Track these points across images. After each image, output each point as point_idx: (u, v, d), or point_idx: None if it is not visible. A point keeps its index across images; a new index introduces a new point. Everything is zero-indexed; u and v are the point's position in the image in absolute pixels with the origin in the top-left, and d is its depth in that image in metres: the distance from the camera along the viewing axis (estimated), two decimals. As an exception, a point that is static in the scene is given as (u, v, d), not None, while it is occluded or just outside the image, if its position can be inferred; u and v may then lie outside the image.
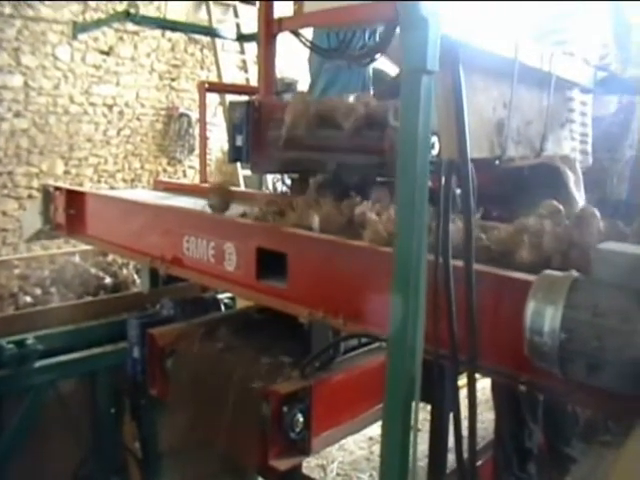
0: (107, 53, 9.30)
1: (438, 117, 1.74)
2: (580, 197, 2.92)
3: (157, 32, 9.70)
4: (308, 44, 3.57)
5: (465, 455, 1.84)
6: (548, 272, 1.60)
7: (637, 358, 1.38)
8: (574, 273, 1.56)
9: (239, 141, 3.08)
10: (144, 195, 4.07)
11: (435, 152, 2.13)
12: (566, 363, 1.50)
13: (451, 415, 2.01)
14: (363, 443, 5.22)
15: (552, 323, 1.48)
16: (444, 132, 1.75)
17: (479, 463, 3.25)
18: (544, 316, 1.50)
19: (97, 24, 8.86)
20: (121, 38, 9.41)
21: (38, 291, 3.94)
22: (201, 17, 10.09)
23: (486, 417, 4.61)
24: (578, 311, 1.46)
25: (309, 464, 4.79)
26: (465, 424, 1.80)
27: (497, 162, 2.17)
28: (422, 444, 3.07)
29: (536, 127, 2.35)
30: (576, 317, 1.46)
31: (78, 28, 8.79)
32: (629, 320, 1.39)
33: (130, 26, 9.25)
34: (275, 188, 3.56)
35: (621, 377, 1.42)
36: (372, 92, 3.79)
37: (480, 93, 2.02)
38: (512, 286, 1.70)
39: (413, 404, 1.63)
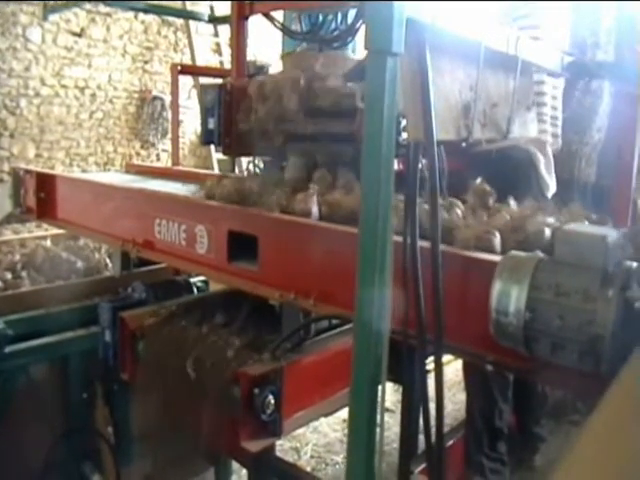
0: (79, 35, 9.18)
1: (404, 99, 1.74)
2: (551, 180, 2.95)
3: (130, 14, 9.58)
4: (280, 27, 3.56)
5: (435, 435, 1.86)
6: (513, 253, 1.62)
7: (597, 336, 1.40)
8: (539, 254, 1.59)
9: (211, 124, 3.08)
10: (115, 178, 4.04)
11: (406, 135, 2.14)
12: (531, 342, 1.53)
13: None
14: (337, 425, 5.25)
15: (517, 303, 1.51)
16: (410, 114, 1.76)
17: (450, 443, 3.31)
18: (510, 296, 1.52)
19: (68, 5, 8.73)
20: (93, 20, 9.29)
21: (9, 275, 3.90)
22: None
23: (459, 398, 4.67)
24: (542, 291, 1.49)
25: (283, 447, 4.81)
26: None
27: (463, 144, 2.18)
28: (396, 425, 3.11)
29: (502, 110, 2.37)
30: (540, 297, 1.49)
31: (49, 9, 8.67)
32: (590, 299, 1.42)
33: (102, 7, 9.14)
34: (249, 170, 3.56)
35: (583, 355, 1.45)
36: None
37: (446, 75, 2.03)
38: (478, 267, 1.72)
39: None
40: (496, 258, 1.65)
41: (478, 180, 2.17)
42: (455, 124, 2.10)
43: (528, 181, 2.86)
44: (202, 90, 3.18)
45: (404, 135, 2.14)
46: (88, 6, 8.98)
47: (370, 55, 1.49)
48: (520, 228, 1.84)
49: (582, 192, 3.28)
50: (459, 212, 2.07)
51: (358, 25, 3.16)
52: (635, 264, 1.47)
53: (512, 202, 2.13)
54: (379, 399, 1.64)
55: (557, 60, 2.65)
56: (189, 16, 9.81)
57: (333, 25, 3.53)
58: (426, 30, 1.66)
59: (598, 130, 3.33)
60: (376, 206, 1.51)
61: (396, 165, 2.04)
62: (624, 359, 1.36)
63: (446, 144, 2.01)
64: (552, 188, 2.94)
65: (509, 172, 2.79)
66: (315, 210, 2.28)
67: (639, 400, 1.09)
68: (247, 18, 3.60)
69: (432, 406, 1.82)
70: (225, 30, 9.94)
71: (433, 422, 1.82)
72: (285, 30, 3.73)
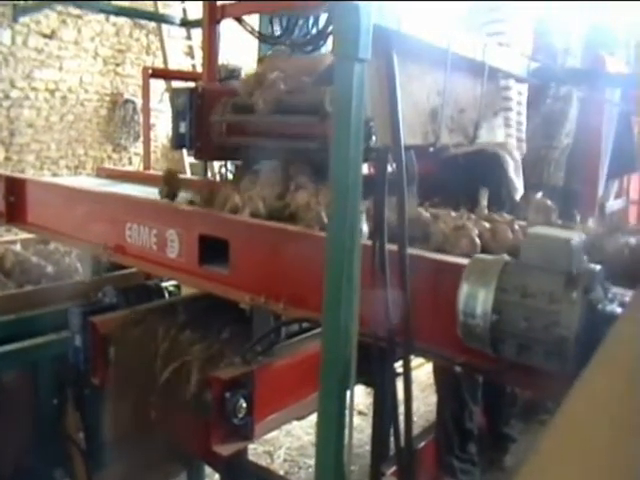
0: (49, 37, 9.10)
1: (372, 104, 1.76)
2: (519, 183, 2.99)
3: (101, 16, 9.52)
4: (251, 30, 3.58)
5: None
6: (480, 256, 1.65)
7: (563, 337, 1.43)
8: (505, 257, 1.61)
9: (182, 128, 3.07)
10: (86, 182, 4.01)
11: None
12: (498, 343, 1.55)
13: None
14: (310, 429, 5.23)
15: (484, 305, 1.53)
16: (378, 119, 1.78)
17: (422, 445, 3.34)
18: (476, 298, 1.54)
19: (39, 6, 8.65)
20: (64, 21, 9.21)
21: (-22, 280, 3.86)
22: (147, 1, 9.94)
23: (432, 400, 4.69)
24: (508, 293, 1.51)
25: (256, 450, 4.79)
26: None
27: (431, 149, 2.20)
28: (369, 428, 3.12)
29: (469, 115, 2.40)
30: (506, 299, 1.51)
31: (19, 10, 8.58)
32: (555, 301, 1.44)
33: (73, 9, 9.06)
34: (221, 175, 3.55)
35: (548, 355, 1.48)
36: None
37: (414, 81, 2.05)
38: (446, 270, 1.74)
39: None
40: (464, 261, 1.67)
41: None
42: (423, 129, 2.12)
43: (497, 184, 2.90)
44: (173, 93, 3.18)
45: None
46: (59, 8, 8.90)
47: (337, 61, 1.50)
48: (599, 248, 1.79)
49: (550, 196, 3.33)
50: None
51: (329, 29, 3.18)
52: (598, 267, 1.50)
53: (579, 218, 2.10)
54: (348, 401, 1.65)
55: (523, 66, 2.69)
56: (161, 19, 9.77)
57: (305, 29, 3.56)
58: (393, 36, 1.68)
59: (567, 135, 3.39)
60: (344, 210, 1.52)
61: (366, 169, 2.06)
62: (588, 359, 1.39)
63: (416, 149, 2.03)
64: (521, 191, 2.98)
65: (478, 176, 2.83)
66: (365, 229, 1.95)
67: (601, 397, 1.11)
68: (219, 22, 3.61)
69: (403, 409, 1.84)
70: (198, 33, 9.91)
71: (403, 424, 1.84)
72: (256, 34, 3.74)
